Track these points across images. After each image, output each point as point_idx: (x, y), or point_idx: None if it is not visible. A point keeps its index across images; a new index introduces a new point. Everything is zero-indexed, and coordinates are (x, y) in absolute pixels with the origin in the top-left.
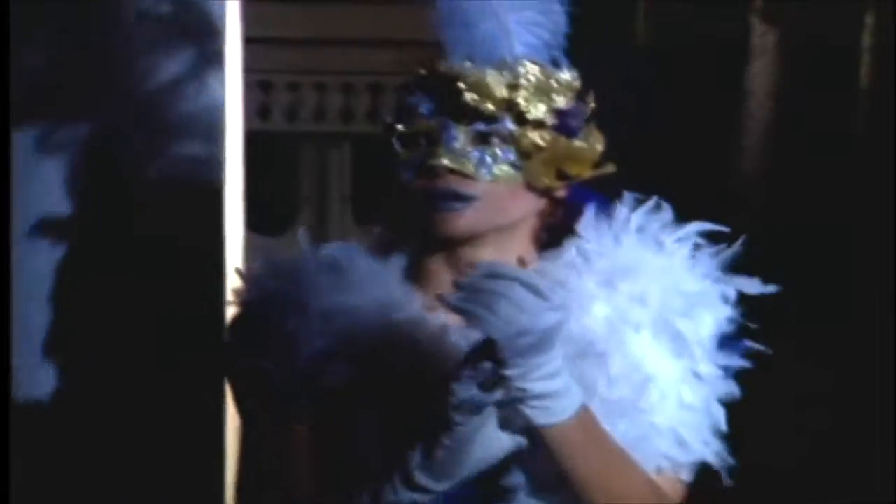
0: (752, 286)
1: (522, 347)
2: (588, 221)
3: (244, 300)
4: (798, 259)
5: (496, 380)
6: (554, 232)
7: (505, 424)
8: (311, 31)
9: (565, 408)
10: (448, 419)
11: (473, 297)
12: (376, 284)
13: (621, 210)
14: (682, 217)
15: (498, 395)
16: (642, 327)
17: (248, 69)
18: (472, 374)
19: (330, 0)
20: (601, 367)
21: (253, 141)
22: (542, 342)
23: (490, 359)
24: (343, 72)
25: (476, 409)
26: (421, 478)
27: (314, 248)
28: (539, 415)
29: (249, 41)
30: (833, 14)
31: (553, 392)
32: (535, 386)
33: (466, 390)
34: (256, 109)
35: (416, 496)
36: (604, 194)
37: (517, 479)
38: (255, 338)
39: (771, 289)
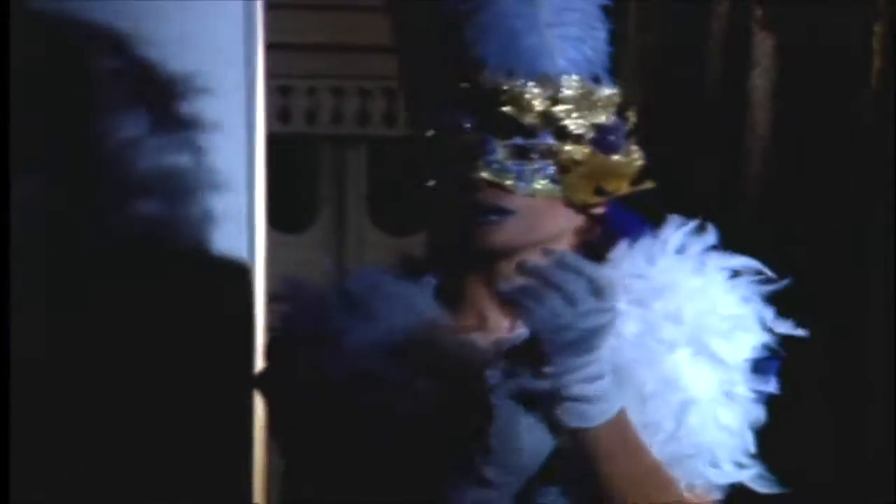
0: (784, 327)
1: (560, 344)
2: (621, 245)
3: (274, 336)
4: (803, 263)
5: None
6: (591, 249)
7: (546, 421)
8: (329, 38)
9: (600, 413)
10: (489, 407)
11: (528, 286)
12: (406, 309)
13: (658, 231)
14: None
15: (529, 381)
16: (677, 346)
17: (270, 74)
18: (507, 368)
19: (347, 8)
20: (633, 385)
21: (274, 143)
22: (580, 342)
23: (531, 354)
24: (359, 76)
25: (511, 391)
26: (489, 472)
27: (342, 278)
28: (572, 417)
29: (271, 47)
30: (841, 20)
31: (590, 396)
32: (573, 387)
33: (496, 376)
34: (277, 113)
35: (487, 493)
36: (639, 212)
37: (552, 500)
38: (287, 370)
39: (801, 333)
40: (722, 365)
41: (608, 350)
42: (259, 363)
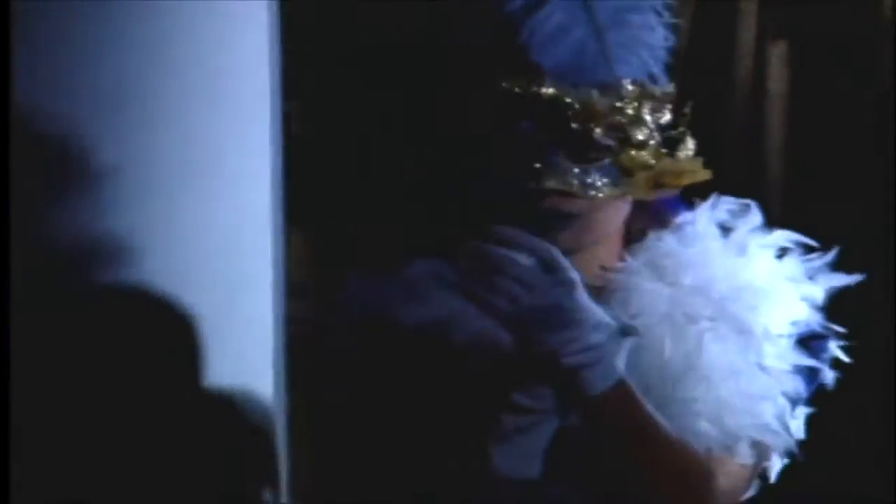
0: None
1: (531, 325)
2: (656, 227)
3: (337, 325)
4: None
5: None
6: (635, 234)
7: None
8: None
9: (597, 380)
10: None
11: (477, 276)
12: (457, 297)
13: (694, 213)
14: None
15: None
16: (701, 318)
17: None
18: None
19: None
20: (654, 355)
21: (296, 144)
22: (550, 320)
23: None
24: None
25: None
26: (518, 398)
27: (398, 269)
28: (571, 385)
29: (294, 53)
30: (850, 21)
31: (584, 364)
32: (569, 360)
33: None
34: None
35: (527, 418)
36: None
37: (560, 492)
38: (347, 358)
39: (855, 279)
40: (751, 336)
41: (640, 326)
42: (270, 361)
